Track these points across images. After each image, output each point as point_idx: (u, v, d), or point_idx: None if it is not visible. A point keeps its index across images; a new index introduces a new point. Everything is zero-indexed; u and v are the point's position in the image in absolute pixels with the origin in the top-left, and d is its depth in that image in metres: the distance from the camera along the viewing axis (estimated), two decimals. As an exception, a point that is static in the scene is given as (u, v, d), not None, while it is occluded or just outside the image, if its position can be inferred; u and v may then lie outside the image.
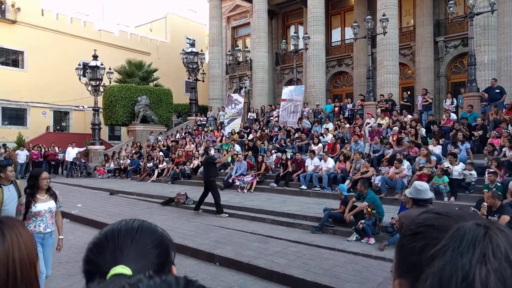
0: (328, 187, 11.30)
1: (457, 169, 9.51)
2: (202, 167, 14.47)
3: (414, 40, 21.14)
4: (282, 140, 15.27)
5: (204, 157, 10.82)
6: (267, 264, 5.78)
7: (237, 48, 24.10)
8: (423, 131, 12.90)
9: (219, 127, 19.89)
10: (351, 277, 5.26)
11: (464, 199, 9.01)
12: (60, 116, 27.37)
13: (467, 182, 9.32)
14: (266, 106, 20.86)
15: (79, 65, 21.78)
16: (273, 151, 14.38)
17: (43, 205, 4.35)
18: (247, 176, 13.14)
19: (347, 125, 15.31)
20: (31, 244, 1.04)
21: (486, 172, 8.78)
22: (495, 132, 11.15)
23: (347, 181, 10.92)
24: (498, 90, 13.51)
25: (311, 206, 9.71)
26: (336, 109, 17.85)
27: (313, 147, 13.42)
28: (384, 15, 16.16)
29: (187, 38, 29.90)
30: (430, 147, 11.03)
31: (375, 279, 5.17)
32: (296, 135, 15.71)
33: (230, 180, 13.34)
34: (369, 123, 14.73)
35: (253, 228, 8.23)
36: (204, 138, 18.30)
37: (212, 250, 6.52)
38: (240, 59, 23.42)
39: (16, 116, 25.09)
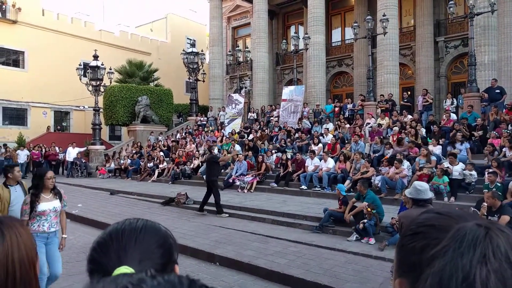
0: (328, 187, 11.30)
1: (457, 169, 9.51)
2: (205, 165, 14.52)
3: (414, 40, 21.14)
4: (283, 140, 15.27)
5: (207, 156, 10.79)
6: (267, 264, 5.78)
7: (237, 48, 24.08)
8: (423, 131, 12.90)
9: (220, 127, 19.89)
10: (351, 277, 5.26)
11: (464, 199, 9.01)
12: (61, 116, 27.39)
13: (467, 183, 9.32)
14: (267, 106, 20.87)
15: (80, 65, 21.80)
16: (273, 151, 14.38)
17: (48, 204, 4.30)
18: (247, 176, 13.14)
19: (347, 125, 15.30)
20: (31, 244, 1.04)
21: (486, 172, 8.78)
22: (495, 132, 11.14)
23: (347, 181, 10.92)
24: (498, 91, 13.51)
25: (311, 206, 9.71)
26: (336, 109, 17.85)
27: (313, 147, 13.42)
28: (384, 15, 16.16)
29: (188, 38, 29.90)
30: (430, 147, 11.02)
31: (375, 279, 5.17)
32: (297, 135, 15.71)
33: (230, 180, 13.34)
34: (369, 123, 14.73)
35: (253, 228, 8.23)
36: (204, 138, 18.31)
37: (212, 250, 6.52)
38: (241, 59, 23.41)
39: (16, 116, 25.11)
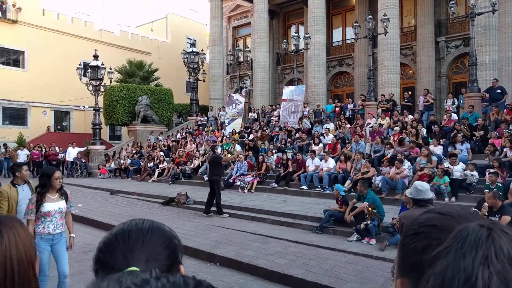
0: (329, 187, 11.28)
1: (458, 169, 9.51)
2: (205, 165, 14.52)
3: (415, 40, 21.12)
4: (283, 140, 15.27)
5: (210, 155, 10.77)
6: (268, 264, 5.77)
7: (238, 48, 24.07)
8: (424, 131, 12.89)
9: (220, 127, 19.89)
10: (352, 277, 5.25)
11: (465, 199, 9.00)
12: (61, 116, 27.39)
13: (469, 183, 9.31)
14: (267, 106, 20.86)
15: (80, 65, 21.80)
16: (273, 151, 14.37)
17: (53, 205, 4.18)
18: (247, 176, 13.14)
19: (348, 125, 15.29)
20: (29, 243, 1.03)
21: (487, 172, 8.77)
22: (496, 132, 11.13)
23: (348, 181, 10.92)
24: (499, 91, 13.50)
25: (311, 206, 9.71)
26: (337, 109, 17.84)
27: (314, 147, 13.42)
28: (385, 15, 16.15)
29: (188, 38, 29.89)
30: (431, 147, 11.02)
31: (376, 280, 5.16)
32: (297, 135, 15.71)
33: (231, 180, 13.34)
34: (370, 123, 14.72)
35: (253, 228, 8.23)
36: (204, 138, 18.31)
37: (212, 250, 6.51)
38: (241, 59, 23.42)
39: (17, 116, 25.12)
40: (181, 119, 25.63)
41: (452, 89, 19.82)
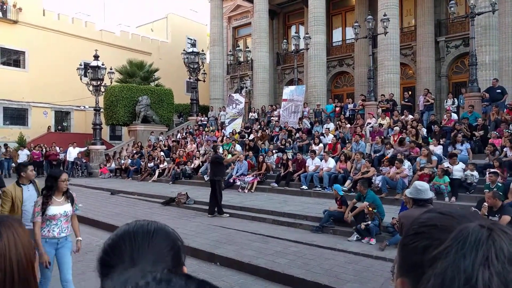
0: (329, 187, 11.26)
1: (457, 169, 9.51)
2: (206, 165, 14.53)
3: (415, 40, 21.11)
4: (283, 140, 15.27)
5: (211, 155, 10.75)
6: (268, 264, 5.77)
7: (238, 48, 24.07)
8: (424, 131, 12.89)
9: (220, 127, 19.90)
10: (352, 277, 5.25)
11: (465, 199, 9.00)
12: (61, 116, 27.40)
13: (469, 183, 9.31)
14: (267, 106, 20.85)
15: (80, 65, 21.81)
16: (274, 151, 14.37)
17: (59, 208, 4.07)
18: (248, 176, 13.14)
19: (348, 125, 15.29)
20: (28, 243, 1.03)
21: (487, 172, 8.77)
22: (496, 132, 11.13)
23: (348, 181, 10.92)
24: (499, 90, 13.49)
25: (311, 206, 9.71)
26: (337, 109, 17.83)
27: (314, 147, 13.42)
28: (385, 15, 16.14)
29: (188, 38, 29.89)
30: (431, 147, 11.01)
31: (376, 279, 5.16)
32: (297, 135, 15.71)
33: (231, 180, 13.34)
34: (370, 123, 14.72)
35: (253, 228, 8.23)
36: (204, 138, 18.32)
37: (212, 250, 6.51)
38: (241, 59, 23.41)
39: (17, 116, 25.12)
40: (182, 119, 25.64)
41: (452, 89, 19.81)
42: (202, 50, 23.97)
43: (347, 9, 24.76)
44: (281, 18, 28.01)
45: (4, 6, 23.84)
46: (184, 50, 23.44)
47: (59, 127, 26.52)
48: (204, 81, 24.72)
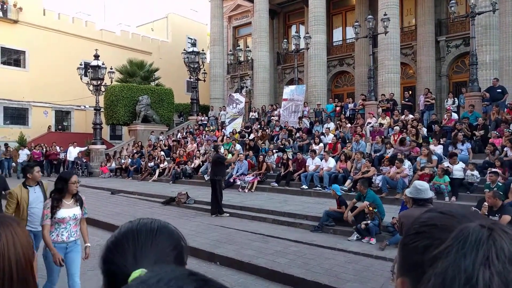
0: (329, 186, 11.26)
1: (457, 168, 9.50)
2: (206, 165, 14.53)
3: (415, 40, 21.10)
4: (284, 139, 15.27)
5: (213, 155, 10.74)
6: (268, 263, 5.77)
7: (238, 47, 24.08)
8: (424, 130, 12.88)
9: (220, 127, 19.90)
10: (352, 276, 5.25)
11: (465, 199, 9.00)
12: (62, 116, 27.41)
13: (470, 182, 9.30)
14: (267, 106, 20.85)
15: (81, 64, 21.82)
16: (274, 151, 14.37)
17: (68, 211, 3.95)
18: (248, 175, 13.14)
19: (348, 125, 15.29)
20: (27, 243, 1.03)
21: (488, 172, 8.76)
22: (496, 132, 11.12)
23: (348, 181, 10.93)
24: (499, 90, 13.48)
25: (312, 205, 9.71)
26: (338, 108, 17.83)
27: (314, 147, 13.41)
28: (385, 14, 16.13)
29: (189, 38, 29.88)
30: (431, 146, 11.01)
31: (376, 279, 5.16)
32: (297, 134, 15.71)
33: (231, 180, 13.34)
34: (370, 123, 14.71)
35: (254, 227, 8.23)
36: (205, 138, 18.32)
37: (213, 250, 6.51)
38: (242, 59, 23.42)
39: (18, 115, 25.13)
40: (182, 119, 25.65)
41: (453, 89, 19.80)
42: (203, 50, 23.97)
43: (347, 9, 24.75)
44: (281, 17, 28.00)
45: (5, 6, 23.84)
46: (184, 50, 23.44)
47: (60, 127, 26.53)
48: (204, 80, 24.72)
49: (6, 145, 19.81)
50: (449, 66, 20.64)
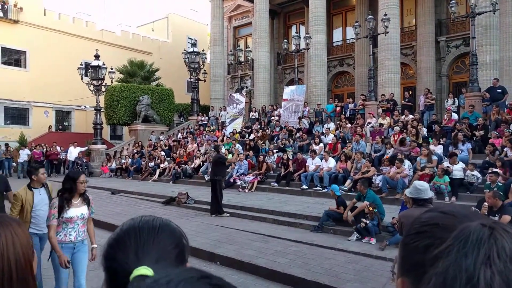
0: (329, 187, 11.25)
1: (457, 168, 9.50)
2: (206, 165, 14.52)
3: (415, 40, 21.09)
4: (284, 139, 15.27)
5: (214, 155, 10.73)
6: (268, 263, 5.77)
7: (238, 48, 24.06)
8: (424, 131, 12.88)
9: (221, 127, 19.90)
10: (352, 276, 5.25)
11: (465, 199, 9.00)
12: (62, 116, 27.41)
13: (470, 182, 9.29)
14: (268, 106, 20.85)
15: (81, 64, 21.81)
16: (274, 151, 14.37)
17: (76, 210, 3.88)
18: (248, 175, 13.14)
19: (349, 125, 15.29)
20: (27, 243, 1.03)
21: (488, 172, 8.76)
22: (496, 132, 11.11)
23: (348, 181, 10.92)
24: (500, 90, 13.47)
25: (312, 206, 9.70)
26: (338, 108, 17.83)
27: (314, 147, 13.41)
28: (385, 14, 16.13)
29: (189, 38, 29.88)
30: (431, 147, 11.00)
31: (376, 279, 5.15)
32: (298, 134, 15.71)
33: (231, 180, 13.33)
34: (370, 123, 14.71)
35: (254, 227, 8.23)
36: (205, 138, 18.32)
37: (213, 250, 6.51)
38: (242, 59, 23.39)
39: (18, 115, 25.13)
40: (182, 119, 25.65)
41: (453, 89, 19.79)
42: (203, 50, 23.97)
43: (347, 9, 24.74)
44: (281, 18, 28.00)
45: (5, 6, 23.85)
46: (184, 50, 23.44)
47: (60, 127, 26.54)
48: (204, 80, 24.72)
49: (6, 145, 19.81)
50: (449, 66, 20.64)
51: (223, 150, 12.50)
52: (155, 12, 36.66)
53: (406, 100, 16.66)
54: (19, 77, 24.45)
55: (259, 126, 18.28)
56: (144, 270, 0.71)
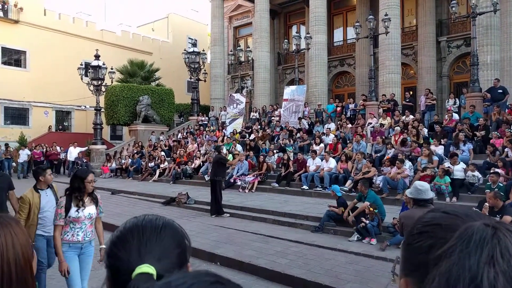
0: (330, 187, 11.25)
1: (458, 169, 9.49)
2: (207, 165, 14.51)
3: (416, 40, 21.09)
4: (284, 139, 15.26)
5: (215, 155, 10.73)
6: (268, 264, 5.77)
7: (239, 48, 24.07)
8: (425, 131, 12.87)
9: (221, 127, 19.90)
10: (352, 277, 5.24)
11: (466, 199, 8.98)
12: (62, 116, 27.42)
13: (471, 183, 9.28)
14: (268, 106, 20.85)
15: (81, 64, 21.82)
16: (274, 151, 14.37)
17: (84, 210, 3.80)
18: (248, 176, 13.13)
19: (349, 125, 15.29)
20: (26, 242, 1.02)
21: (489, 172, 8.75)
22: (497, 132, 11.10)
23: (349, 181, 10.91)
24: (500, 90, 13.46)
25: (312, 206, 9.70)
26: (338, 109, 17.82)
27: (315, 147, 13.40)
28: (386, 14, 16.12)
29: (189, 38, 29.88)
30: (432, 147, 10.99)
31: (376, 279, 5.15)
32: (298, 135, 15.71)
33: (232, 180, 13.33)
34: (371, 123, 14.70)
35: (254, 228, 8.22)
36: (205, 138, 18.32)
37: (213, 250, 6.51)
38: (242, 59, 23.41)
39: (18, 115, 25.15)
40: (182, 119, 25.65)
41: (454, 89, 19.77)
42: (203, 50, 23.98)
43: (348, 9, 24.74)
44: (282, 18, 28.00)
45: (5, 6, 23.86)
46: (185, 50, 23.44)
47: (60, 127, 26.55)
48: (205, 81, 24.73)
49: (6, 145, 19.81)
50: (450, 66, 20.63)
51: (224, 151, 12.49)
52: (155, 12, 36.73)
53: (407, 100, 16.65)
54: (19, 77, 24.47)
55: (259, 126, 18.27)
56: (146, 268, 0.71)
